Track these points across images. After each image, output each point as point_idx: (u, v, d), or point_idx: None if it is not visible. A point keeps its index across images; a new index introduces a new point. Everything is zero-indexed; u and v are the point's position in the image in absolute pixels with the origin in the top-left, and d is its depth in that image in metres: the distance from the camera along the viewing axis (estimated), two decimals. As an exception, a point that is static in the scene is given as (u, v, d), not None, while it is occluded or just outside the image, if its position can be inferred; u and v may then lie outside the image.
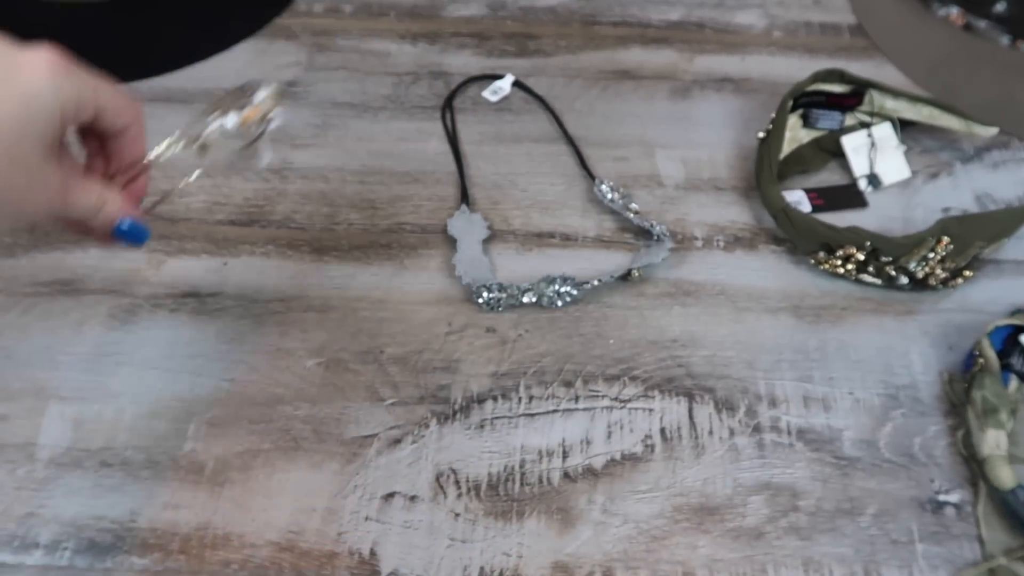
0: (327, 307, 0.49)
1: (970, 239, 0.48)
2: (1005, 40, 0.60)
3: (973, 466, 0.44)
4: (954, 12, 0.62)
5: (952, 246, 0.48)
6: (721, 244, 0.52)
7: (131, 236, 0.35)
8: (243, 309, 0.48)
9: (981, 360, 0.45)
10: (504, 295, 0.48)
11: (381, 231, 0.52)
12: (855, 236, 0.48)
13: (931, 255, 0.48)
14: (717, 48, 0.64)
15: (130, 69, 0.59)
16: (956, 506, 0.43)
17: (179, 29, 0.61)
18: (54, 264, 0.50)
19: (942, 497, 0.43)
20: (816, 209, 0.54)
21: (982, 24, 0.61)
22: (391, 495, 0.42)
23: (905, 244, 0.47)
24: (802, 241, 0.50)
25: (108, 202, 0.34)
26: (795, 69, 0.61)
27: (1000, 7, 0.60)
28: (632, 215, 0.52)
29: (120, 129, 0.34)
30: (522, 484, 0.43)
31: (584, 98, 0.60)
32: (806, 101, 0.56)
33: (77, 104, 0.31)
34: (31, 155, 0.29)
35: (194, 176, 0.40)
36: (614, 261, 0.51)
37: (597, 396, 0.46)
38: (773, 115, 0.53)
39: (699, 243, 0.52)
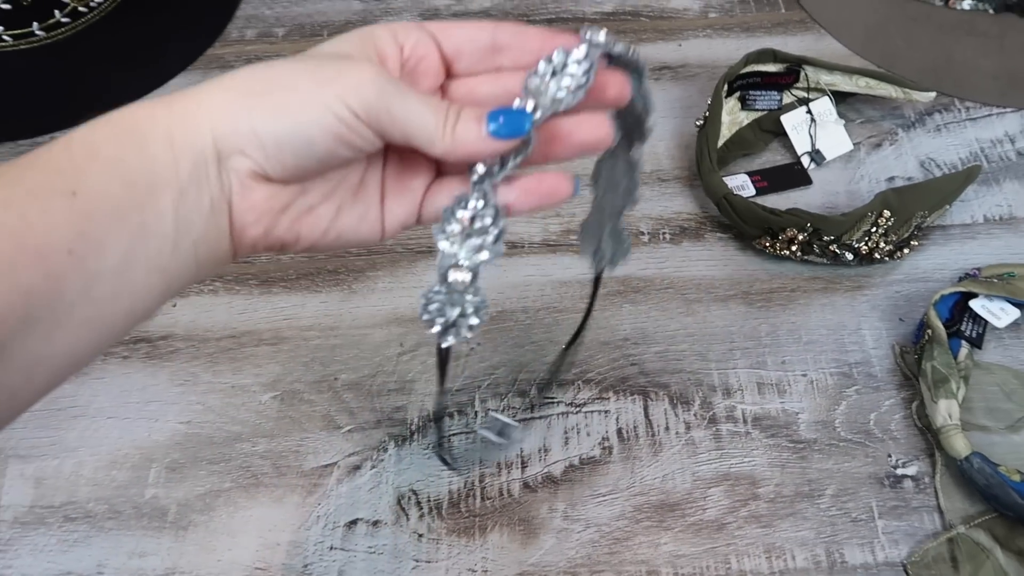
0: (279, 339, 0.49)
1: (911, 210, 0.48)
2: (938, 1, 0.60)
3: (929, 437, 0.44)
4: (887, -23, 0.62)
5: (893, 219, 0.48)
6: (667, 237, 0.52)
7: (511, 125, 0.26)
8: (195, 349, 0.48)
9: (929, 331, 0.45)
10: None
11: (327, 256, 0.52)
12: (795, 218, 0.48)
13: (873, 230, 0.48)
14: (654, 36, 0.63)
15: (64, 114, 0.59)
16: (914, 478, 0.43)
17: (111, 68, 0.61)
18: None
19: (900, 471, 0.44)
20: (760, 192, 0.54)
21: (914, -13, 0.61)
22: (354, 522, 0.43)
23: (845, 221, 0.47)
24: (745, 227, 0.50)
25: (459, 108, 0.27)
26: (732, 50, 0.61)
27: (930, -32, 0.59)
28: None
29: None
30: (483, 499, 0.43)
31: (524, 100, 0.60)
32: (742, 83, 0.55)
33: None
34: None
35: None
36: (562, 264, 0.51)
37: (552, 403, 0.46)
38: (709, 102, 0.53)
39: (645, 238, 0.52)
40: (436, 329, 0.27)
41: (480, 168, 0.27)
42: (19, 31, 0.59)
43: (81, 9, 0.60)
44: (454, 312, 0.27)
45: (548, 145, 0.28)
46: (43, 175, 0.23)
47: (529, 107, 0.26)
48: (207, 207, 0.25)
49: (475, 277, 0.27)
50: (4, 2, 0.57)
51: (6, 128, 0.57)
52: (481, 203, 0.27)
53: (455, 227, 0.27)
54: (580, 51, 0.26)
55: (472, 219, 0.27)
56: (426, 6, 0.66)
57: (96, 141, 0.24)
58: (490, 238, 0.27)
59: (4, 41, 0.59)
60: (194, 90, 0.26)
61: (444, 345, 0.27)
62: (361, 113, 0.25)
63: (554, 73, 0.27)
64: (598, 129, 0.28)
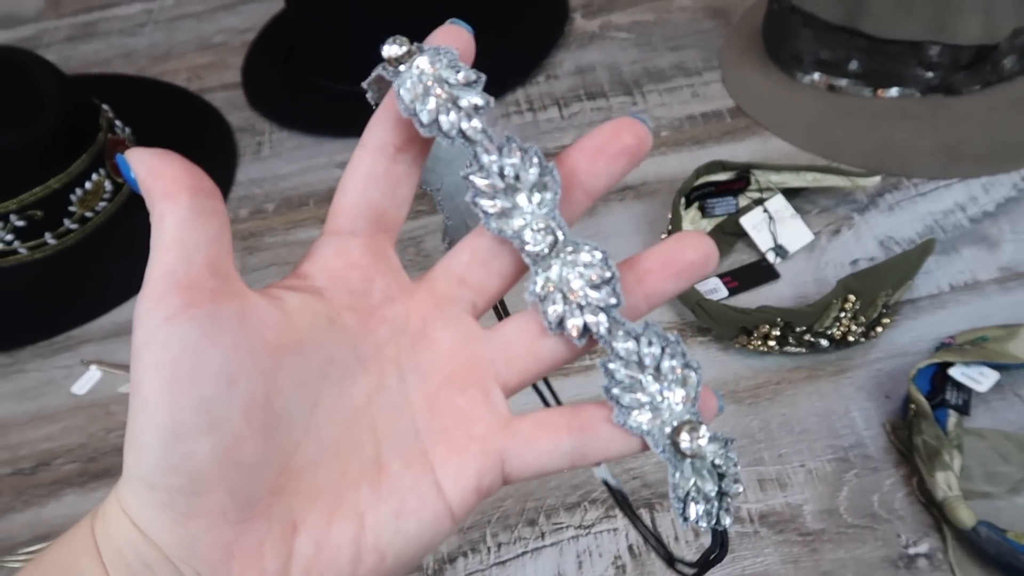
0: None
1: (874, 291, 0.51)
2: (867, 92, 0.65)
3: (934, 511, 0.45)
4: (817, 77, 0.67)
5: (859, 302, 0.50)
6: (651, 347, 0.55)
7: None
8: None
9: (913, 406, 0.47)
10: None
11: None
12: (765, 315, 0.50)
13: (842, 315, 0.50)
14: (613, 160, 0.68)
15: (77, 313, 0.63)
16: (927, 556, 0.44)
17: (119, 261, 0.66)
18: (32, 521, 0.52)
19: (912, 550, 0.44)
20: (733, 292, 0.56)
21: (843, 83, 0.66)
22: None
23: (812, 312, 0.50)
24: (721, 329, 0.52)
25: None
26: (687, 162, 0.65)
27: (854, 65, 0.64)
28: None
29: None
30: (505, 636, 0.44)
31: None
32: (698, 194, 0.59)
33: None
34: None
35: None
36: (560, 387, 0.54)
37: (562, 527, 0.47)
38: (670, 216, 0.57)
39: (630, 351, 0.55)
40: (713, 521, 0.22)
41: (600, 326, 0.22)
42: (34, 242, 0.64)
43: (88, 215, 0.66)
44: (711, 485, 0.22)
45: (644, 283, 0.23)
46: None
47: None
48: None
49: (701, 421, 0.21)
50: (19, 220, 0.63)
51: (28, 334, 0.62)
52: (634, 342, 0.22)
53: (637, 395, 0.22)
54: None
55: (641, 366, 0.22)
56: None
57: None
58: (677, 362, 0.22)
59: (20, 254, 0.64)
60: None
61: (725, 525, 0.22)
62: None
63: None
64: (702, 243, 0.23)
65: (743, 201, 0.60)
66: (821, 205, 0.61)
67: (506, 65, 0.75)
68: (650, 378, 0.22)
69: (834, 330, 0.50)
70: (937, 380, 0.48)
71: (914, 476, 0.46)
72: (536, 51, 0.77)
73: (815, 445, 0.49)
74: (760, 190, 0.60)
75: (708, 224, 0.60)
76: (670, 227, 0.56)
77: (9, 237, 0.63)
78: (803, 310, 0.50)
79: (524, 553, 0.47)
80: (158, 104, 0.80)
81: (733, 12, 0.78)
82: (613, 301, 0.22)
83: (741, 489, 0.22)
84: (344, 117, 0.73)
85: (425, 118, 0.22)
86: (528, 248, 0.22)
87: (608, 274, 0.22)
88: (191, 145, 0.72)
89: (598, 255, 0.22)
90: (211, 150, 0.75)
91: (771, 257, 0.58)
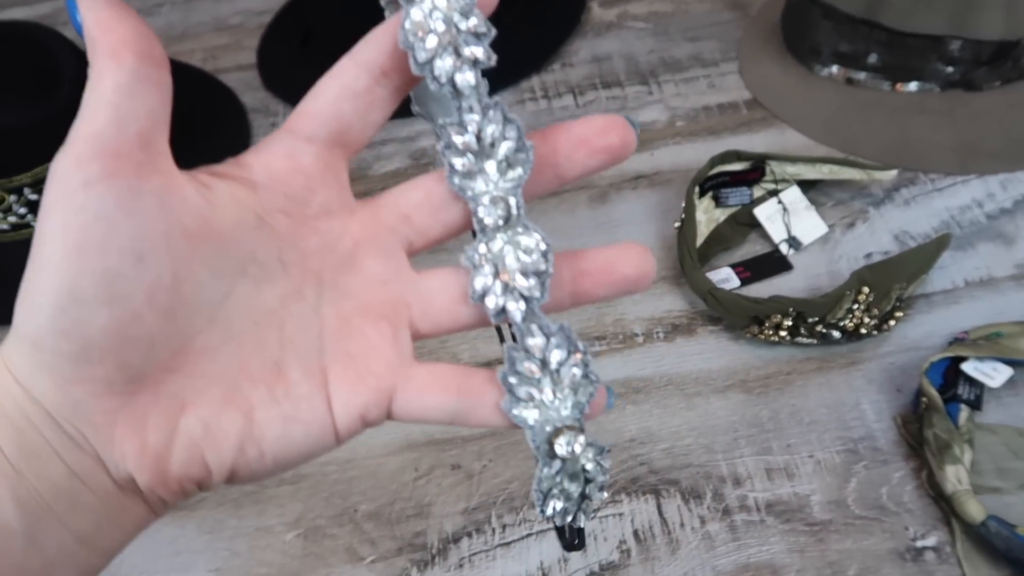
0: (299, 477, 0.51)
1: (888, 283, 0.50)
2: (886, 86, 0.64)
3: (943, 505, 0.45)
4: (835, 70, 0.67)
5: (873, 294, 0.50)
6: (661, 335, 0.55)
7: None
8: (220, 496, 0.50)
9: (924, 399, 0.46)
10: None
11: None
12: (777, 304, 0.50)
13: (855, 307, 0.50)
14: (627, 149, 0.68)
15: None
16: (935, 549, 0.43)
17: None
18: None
19: (920, 543, 0.44)
20: (745, 282, 0.56)
21: (862, 76, 0.65)
22: (383, 655, 0.43)
23: (826, 303, 0.49)
24: (732, 318, 0.52)
25: None
26: (701, 153, 0.65)
27: (873, 58, 0.64)
28: None
29: None
30: (508, 617, 0.44)
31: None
32: (712, 184, 0.59)
33: None
34: None
35: None
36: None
37: (567, 511, 0.47)
38: (684, 204, 0.57)
39: (640, 339, 0.55)
40: (569, 519, 0.23)
41: (517, 313, 0.22)
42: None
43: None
44: (578, 485, 0.22)
45: (576, 283, 0.23)
46: None
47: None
48: (62, 473, 0.20)
49: (584, 430, 0.22)
50: (32, 194, 0.63)
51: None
52: (543, 339, 0.22)
53: (529, 388, 0.22)
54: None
55: (543, 363, 0.22)
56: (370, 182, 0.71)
57: None
58: (577, 371, 0.22)
59: (33, 227, 0.64)
60: None
61: (581, 525, 0.23)
62: None
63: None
64: (642, 261, 0.23)
65: (757, 192, 0.60)
66: (836, 198, 0.61)
67: (521, 52, 0.75)
68: (548, 379, 0.22)
69: (846, 322, 0.50)
70: (949, 374, 0.48)
71: (923, 469, 0.46)
72: (552, 38, 0.77)
73: (824, 436, 0.48)
74: (775, 181, 0.59)
75: (722, 213, 0.59)
76: (683, 216, 0.56)
77: (23, 211, 0.63)
78: (816, 301, 0.49)
79: (529, 535, 0.46)
80: (173, 83, 0.80)
81: (752, 3, 0.78)
82: (537, 294, 0.22)
83: (605, 496, 0.23)
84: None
85: (421, 56, 0.21)
86: (481, 215, 0.22)
87: (543, 267, 0.22)
88: (205, 125, 0.72)
89: (542, 246, 0.22)
90: (225, 130, 0.75)
91: (784, 249, 0.58)
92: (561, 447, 0.22)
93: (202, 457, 0.21)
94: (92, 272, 0.19)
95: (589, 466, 0.23)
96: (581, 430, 0.22)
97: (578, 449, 0.22)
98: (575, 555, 0.45)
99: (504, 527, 0.47)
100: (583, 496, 0.23)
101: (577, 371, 0.22)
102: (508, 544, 0.46)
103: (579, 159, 0.23)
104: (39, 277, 0.19)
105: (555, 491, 0.23)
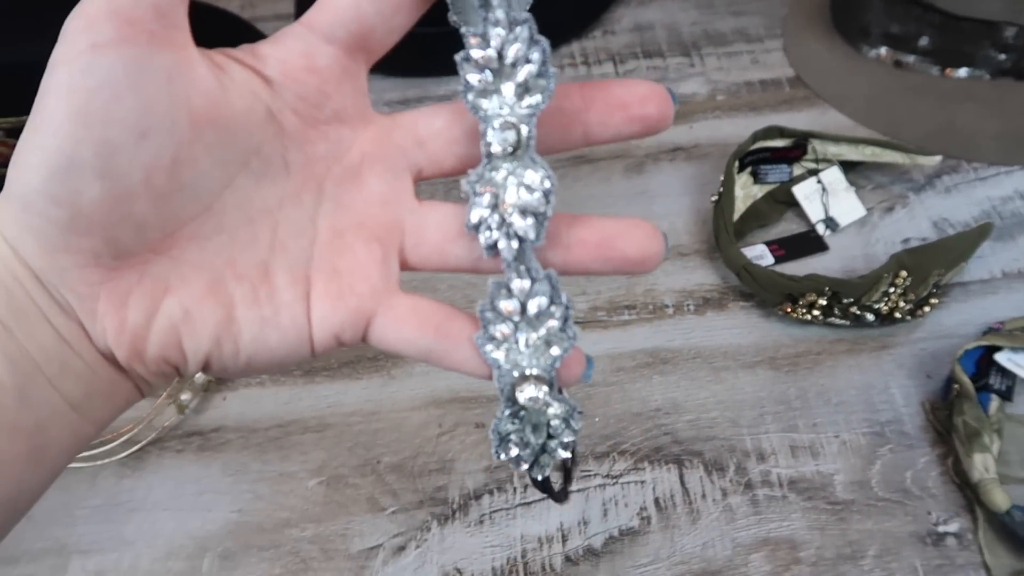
0: (323, 426, 0.51)
1: (927, 269, 0.50)
2: (935, 71, 0.63)
3: (968, 492, 0.44)
4: (883, 51, 0.65)
5: (910, 279, 0.49)
6: (692, 308, 0.54)
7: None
8: (244, 440, 0.51)
9: (956, 386, 0.46)
10: None
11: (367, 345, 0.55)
12: (813, 283, 0.49)
13: (891, 290, 0.49)
14: (665, 120, 0.67)
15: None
16: (957, 535, 0.43)
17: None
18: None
19: (941, 528, 0.44)
20: (779, 260, 0.56)
21: (911, 59, 0.64)
22: (401, 603, 0.44)
23: (862, 284, 0.49)
24: (766, 294, 0.51)
25: None
26: (741, 128, 0.64)
27: (924, 41, 0.63)
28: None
29: None
30: (526, 574, 0.44)
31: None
32: (752, 159, 0.58)
33: None
34: None
35: None
36: (590, 340, 0.53)
37: (589, 475, 0.47)
38: (722, 178, 0.56)
39: (670, 310, 0.54)
40: (524, 467, 0.22)
41: (508, 252, 0.21)
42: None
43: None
44: (539, 437, 0.22)
45: (569, 250, 0.22)
46: None
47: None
48: (50, 336, 0.20)
49: (553, 383, 0.21)
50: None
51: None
52: (528, 282, 0.21)
53: (504, 327, 0.21)
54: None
55: (523, 308, 0.21)
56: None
57: None
58: (555, 323, 0.21)
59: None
60: None
61: (540, 477, 0.22)
62: None
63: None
64: (649, 243, 0.22)
65: (797, 170, 0.59)
66: (876, 181, 0.60)
67: (563, 16, 0.74)
68: (525, 323, 0.21)
69: (881, 305, 0.49)
70: (982, 364, 0.48)
71: (949, 456, 0.46)
72: (594, 3, 0.76)
73: (851, 417, 0.48)
74: (816, 160, 0.58)
75: (760, 190, 0.59)
76: (721, 189, 0.55)
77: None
78: (853, 281, 0.49)
79: (550, 496, 0.47)
80: (209, 29, 0.80)
81: (800, -20, 0.76)
82: (532, 236, 0.21)
83: (566, 455, 0.22)
84: (396, 55, 0.72)
85: None
86: (489, 139, 0.21)
87: (543, 209, 0.21)
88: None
89: (546, 184, 0.21)
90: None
91: (821, 229, 0.57)
92: (523, 394, 0.21)
93: (179, 341, 0.21)
94: (92, 141, 0.18)
95: (555, 422, 0.22)
96: (549, 383, 0.22)
97: (539, 398, 0.21)
98: (595, 518, 0.46)
99: (526, 487, 0.47)
100: (543, 449, 0.22)
101: (555, 323, 0.21)
102: (529, 504, 0.47)
103: (613, 123, 0.22)
104: (37, 136, 0.19)
105: (513, 437, 0.22)
